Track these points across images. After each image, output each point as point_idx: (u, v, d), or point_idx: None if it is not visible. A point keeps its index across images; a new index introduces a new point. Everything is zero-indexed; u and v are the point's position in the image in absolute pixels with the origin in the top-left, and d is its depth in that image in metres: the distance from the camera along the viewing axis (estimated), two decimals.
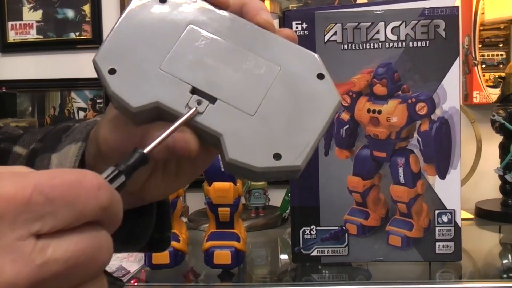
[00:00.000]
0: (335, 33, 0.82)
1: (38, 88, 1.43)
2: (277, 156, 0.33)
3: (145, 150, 0.31)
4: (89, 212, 0.25)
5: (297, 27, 0.83)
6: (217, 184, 0.81)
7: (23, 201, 0.23)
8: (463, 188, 0.86)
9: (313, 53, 0.36)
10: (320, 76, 0.35)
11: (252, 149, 0.33)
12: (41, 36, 1.43)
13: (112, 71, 0.34)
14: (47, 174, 0.25)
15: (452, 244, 0.83)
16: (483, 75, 1.30)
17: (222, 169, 0.86)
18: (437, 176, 0.83)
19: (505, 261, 0.91)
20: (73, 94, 1.42)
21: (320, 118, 0.34)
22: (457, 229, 0.83)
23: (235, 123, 0.33)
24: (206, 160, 0.40)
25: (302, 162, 0.33)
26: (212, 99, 0.34)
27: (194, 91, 0.34)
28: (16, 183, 0.24)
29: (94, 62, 0.34)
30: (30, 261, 0.23)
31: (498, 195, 1.18)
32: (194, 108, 0.33)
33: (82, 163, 0.40)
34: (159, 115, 0.34)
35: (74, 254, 0.24)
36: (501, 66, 1.31)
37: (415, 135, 0.83)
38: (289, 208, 0.99)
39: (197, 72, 0.34)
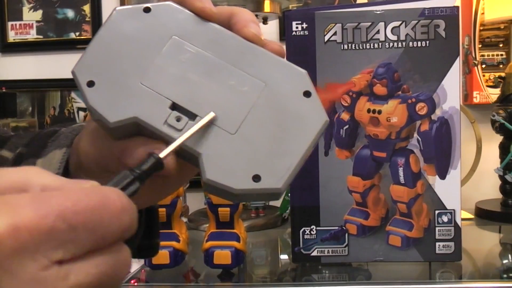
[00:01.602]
0: (335, 33, 0.82)
1: (38, 88, 1.43)
2: (256, 178, 0.31)
3: (161, 155, 0.30)
4: (111, 235, 0.25)
5: (297, 27, 0.82)
6: None
7: (46, 230, 0.23)
8: (463, 188, 0.86)
9: (301, 69, 0.35)
10: (307, 94, 0.34)
11: (231, 170, 0.31)
12: (41, 36, 1.43)
13: (90, 84, 0.32)
14: (71, 197, 0.24)
15: (452, 244, 0.83)
16: (483, 75, 1.30)
17: None
18: (437, 176, 0.83)
19: (505, 261, 0.91)
20: (73, 94, 1.42)
21: (304, 140, 0.32)
22: (457, 229, 0.83)
23: (214, 142, 0.32)
24: (194, 170, 0.39)
25: (282, 185, 0.32)
26: (192, 116, 0.33)
27: (174, 106, 0.33)
28: (38, 210, 0.23)
29: (73, 73, 0.33)
30: None
31: (498, 195, 1.18)
32: (213, 114, 0.32)
33: (66, 169, 0.40)
34: (139, 130, 0.33)
35: (96, 277, 0.24)
36: (501, 66, 1.31)
37: (415, 135, 0.83)
38: (289, 208, 0.99)
39: (178, 87, 0.33)
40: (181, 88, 0.33)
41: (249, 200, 0.29)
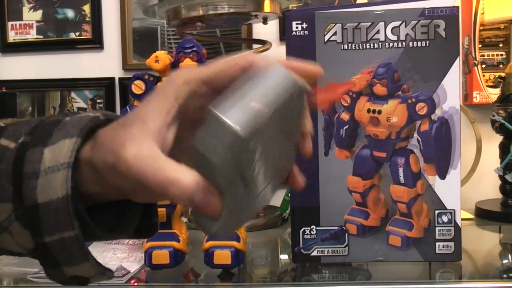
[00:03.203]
0: (335, 33, 0.82)
1: (38, 88, 1.43)
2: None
3: None
4: None
5: (297, 27, 0.82)
6: None
7: None
8: (463, 188, 0.86)
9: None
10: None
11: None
12: (41, 36, 1.43)
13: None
14: None
15: (452, 244, 0.83)
16: (483, 75, 1.30)
17: None
18: (437, 176, 0.83)
19: (505, 261, 0.91)
20: (73, 94, 1.42)
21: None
22: (457, 229, 0.83)
23: None
24: None
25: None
26: None
27: None
28: None
29: (215, 114, 0.35)
30: None
31: (498, 195, 1.18)
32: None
33: (75, 158, 0.40)
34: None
35: None
36: (501, 66, 1.31)
37: (415, 135, 0.83)
38: (289, 208, 0.99)
39: None
40: None
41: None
